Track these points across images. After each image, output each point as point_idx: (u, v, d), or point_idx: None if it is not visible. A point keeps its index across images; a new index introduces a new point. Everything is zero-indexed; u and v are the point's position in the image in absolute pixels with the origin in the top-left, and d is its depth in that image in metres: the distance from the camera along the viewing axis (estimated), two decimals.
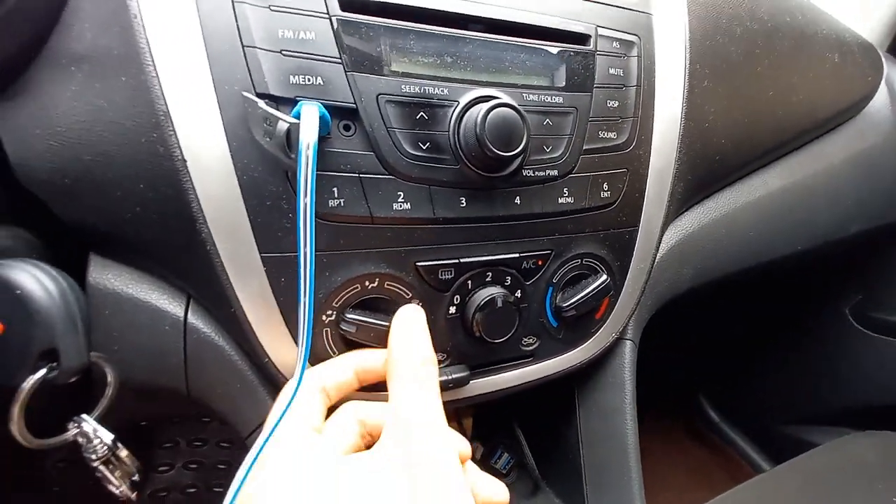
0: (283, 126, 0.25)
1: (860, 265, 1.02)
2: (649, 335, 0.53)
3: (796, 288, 1.13)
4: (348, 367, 0.31)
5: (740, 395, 1.29)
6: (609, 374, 0.49)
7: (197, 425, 0.68)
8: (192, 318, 0.33)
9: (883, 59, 0.83)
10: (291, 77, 0.28)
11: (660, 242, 0.47)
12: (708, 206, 0.55)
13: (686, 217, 0.53)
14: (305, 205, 0.24)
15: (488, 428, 0.57)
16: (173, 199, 0.28)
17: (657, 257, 0.48)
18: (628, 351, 0.49)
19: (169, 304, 0.33)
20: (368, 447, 0.27)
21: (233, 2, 0.28)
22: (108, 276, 0.33)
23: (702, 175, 0.50)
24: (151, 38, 0.26)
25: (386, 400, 0.28)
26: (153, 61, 0.26)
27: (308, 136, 0.24)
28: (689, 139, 0.45)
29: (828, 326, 1.08)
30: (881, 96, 0.80)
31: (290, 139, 0.25)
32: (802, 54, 0.60)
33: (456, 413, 0.52)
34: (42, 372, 0.23)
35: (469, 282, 0.36)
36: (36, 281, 0.22)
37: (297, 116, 0.26)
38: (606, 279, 0.41)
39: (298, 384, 0.26)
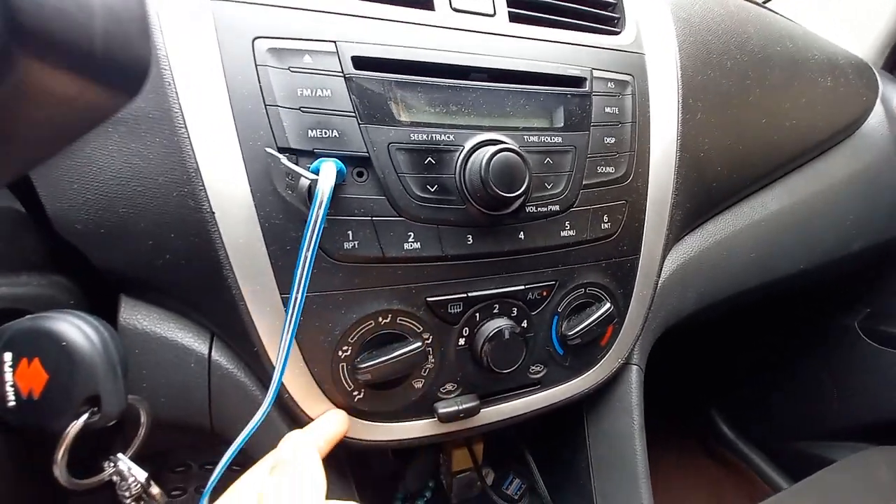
0: (304, 182, 0.27)
1: (867, 279, 1.02)
2: (663, 353, 0.54)
3: (805, 303, 1.13)
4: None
5: (754, 412, 1.28)
6: (616, 399, 0.50)
7: (208, 449, 0.69)
8: (215, 356, 0.35)
9: (878, 78, 0.85)
10: (310, 131, 0.31)
11: (661, 269, 0.49)
12: (708, 230, 0.57)
13: (687, 241, 0.54)
14: (306, 258, 0.27)
15: (499, 453, 0.58)
16: (201, 247, 0.30)
17: (660, 283, 0.49)
18: (635, 376, 0.50)
19: (194, 341, 0.35)
20: None
21: (256, 65, 0.30)
22: (138, 317, 0.35)
23: (700, 202, 0.52)
24: (183, 102, 0.29)
25: None
26: (185, 123, 0.29)
27: (324, 190, 0.27)
28: (686, 169, 0.47)
29: (838, 341, 1.08)
30: (877, 115, 0.82)
31: (311, 193, 0.27)
32: (794, 81, 0.62)
33: (466, 439, 0.53)
34: (84, 417, 0.25)
35: (477, 314, 0.38)
36: (80, 332, 0.24)
37: (317, 170, 0.29)
38: (610, 307, 0.43)
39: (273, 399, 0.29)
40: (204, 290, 0.32)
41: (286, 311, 0.29)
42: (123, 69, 0.12)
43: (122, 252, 0.32)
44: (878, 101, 0.83)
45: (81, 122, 0.13)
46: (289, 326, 0.28)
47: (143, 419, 0.30)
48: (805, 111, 0.63)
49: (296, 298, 0.28)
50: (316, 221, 0.26)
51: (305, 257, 0.27)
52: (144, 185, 0.30)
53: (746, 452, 1.25)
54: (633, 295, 0.46)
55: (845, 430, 1.08)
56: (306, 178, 0.27)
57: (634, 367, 0.50)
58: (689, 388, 1.37)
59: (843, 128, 0.72)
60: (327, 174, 0.27)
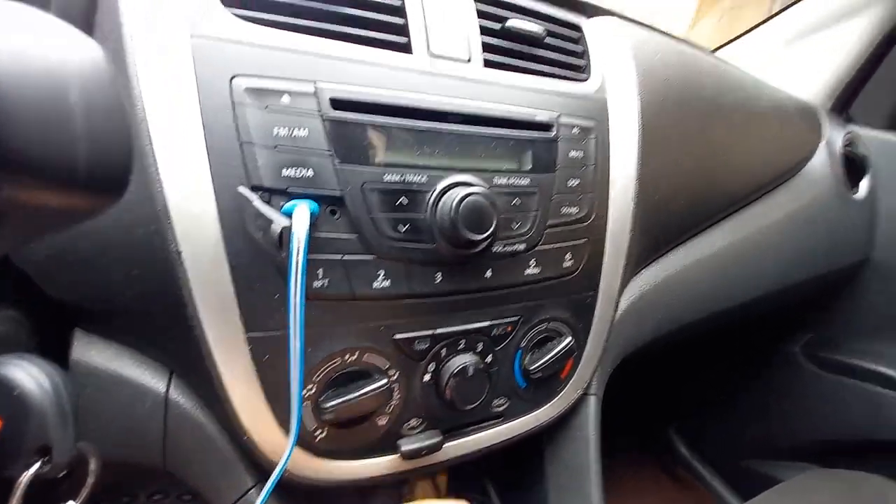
0: (276, 228, 0.27)
1: (810, 305, 1.09)
2: (624, 375, 0.56)
3: (754, 329, 1.20)
4: None
5: (708, 431, 1.34)
6: (575, 428, 0.52)
7: (155, 480, 0.66)
8: (173, 394, 0.34)
9: (824, 121, 0.92)
10: (284, 170, 0.31)
11: (619, 302, 0.51)
12: (663, 264, 0.60)
13: (644, 275, 0.57)
14: (295, 304, 0.27)
15: (462, 485, 0.59)
16: (165, 285, 0.30)
17: (617, 316, 0.52)
18: (593, 405, 0.52)
19: (151, 379, 0.34)
20: None
21: (233, 103, 0.30)
22: (92, 353, 0.33)
23: (656, 238, 0.55)
24: (155, 139, 0.28)
25: None
26: (155, 160, 0.28)
27: (300, 237, 0.27)
28: (643, 208, 0.50)
29: (782, 365, 1.15)
30: (820, 156, 0.89)
31: (282, 238, 0.27)
32: (745, 127, 0.67)
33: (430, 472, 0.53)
34: (36, 466, 0.24)
35: (443, 350, 0.39)
36: (33, 380, 0.23)
37: (290, 212, 0.29)
38: (571, 340, 0.45)
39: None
40: (165, 328, 0.31)
41: (289, 366, 0.29)
42: (107, 182, 0.12)
43: (81, 286, 0.31)
44: (823, 143, 0.90)
45: (69, 221, 0.13)
46: (294, 377, 0.28)
47: (92, 466, 0.29)
48: (754, 154, 0.68)
49: (295, 347, 0.28)
50: (297, 270, 0.27)
51: (295, 304, 0.27)
52: (109, 221, 0.29)
53: (701, 472, 1.31)
54: (592, 328, 0.48)
55: (792, 451, 1.14)
56: (279, 223, 0.27)
57: (592, 398, 0.52)
58: (649, 410, 1.42)
59: (787, 169, 0.79)
60: (301, 219, 0.28)
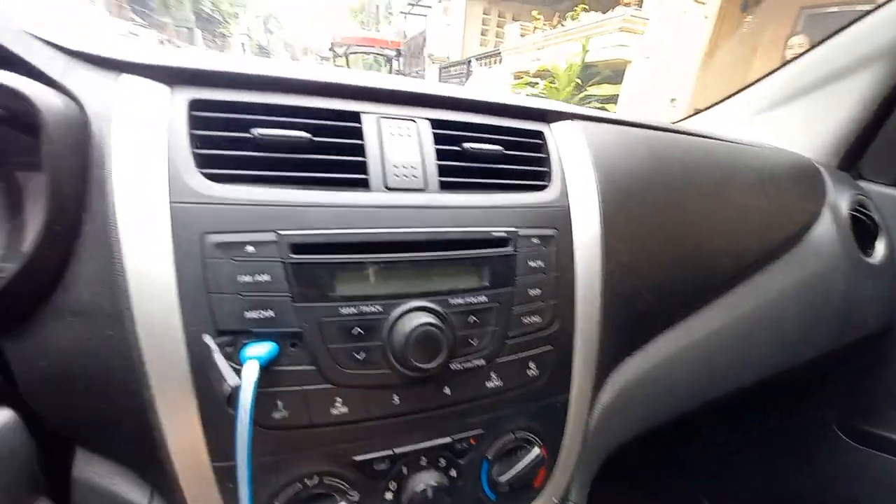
0: (227, 388, 0.30)
1: (846, 376, 1.02)
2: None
3: (787, 399, 1.13)
4: None
5: (741, 500, 1.24)
6: None
7: None
8: None
9: (827, 183, 0.89)
10: (247, 313, 0.35)
11: (593, 404, 0.51)
12: (646, 355, 0.59)
13: (623, 369, 0.57)
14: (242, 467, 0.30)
15: None
16: (142, 423, 0.34)
17: (594, 417, 0.51)
18: None
19: (137, 496, 0.38)
20: None
21: (203, 258, 0.35)
22: (89, 471, 0.37)
23: (631, 332, 0.55)
24: (134, 300, 0.33)
25: None
26: (134, 319, 0.33)
27: (244, 405, 0.30)
28: (613, 307, 0.50)
29: (816, 435, 1.07)
30: (825, 221, 0.85)
31: (231, 397, 0.30)
32: (720, 207, 0.65)
33: None
34: None
35: (404, 468, 0.40)
36: None
37: (246, 361, 0.32)
38: (539, 452, 0.45)
39: None
40: (143, 457, 0.35)
41: (217, 480, 0.32)
42: None
43: (76, 421, 0.35)
44: (826, 206, 0.87)
45: None
46: None
47: None
48: (735, 234, 0.67)
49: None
50: (243, 429, 0.30)
51: (241, 465, 0.30)
52: (92, 369, 0.34)
53: None
54: (566, 433, 0.48)
55: None
56: (228, 384, 0.30)
57: None
58: (683, 478, 1.34)
59: (780, 243, 0.76)
60: (248, 379, 0.31)
